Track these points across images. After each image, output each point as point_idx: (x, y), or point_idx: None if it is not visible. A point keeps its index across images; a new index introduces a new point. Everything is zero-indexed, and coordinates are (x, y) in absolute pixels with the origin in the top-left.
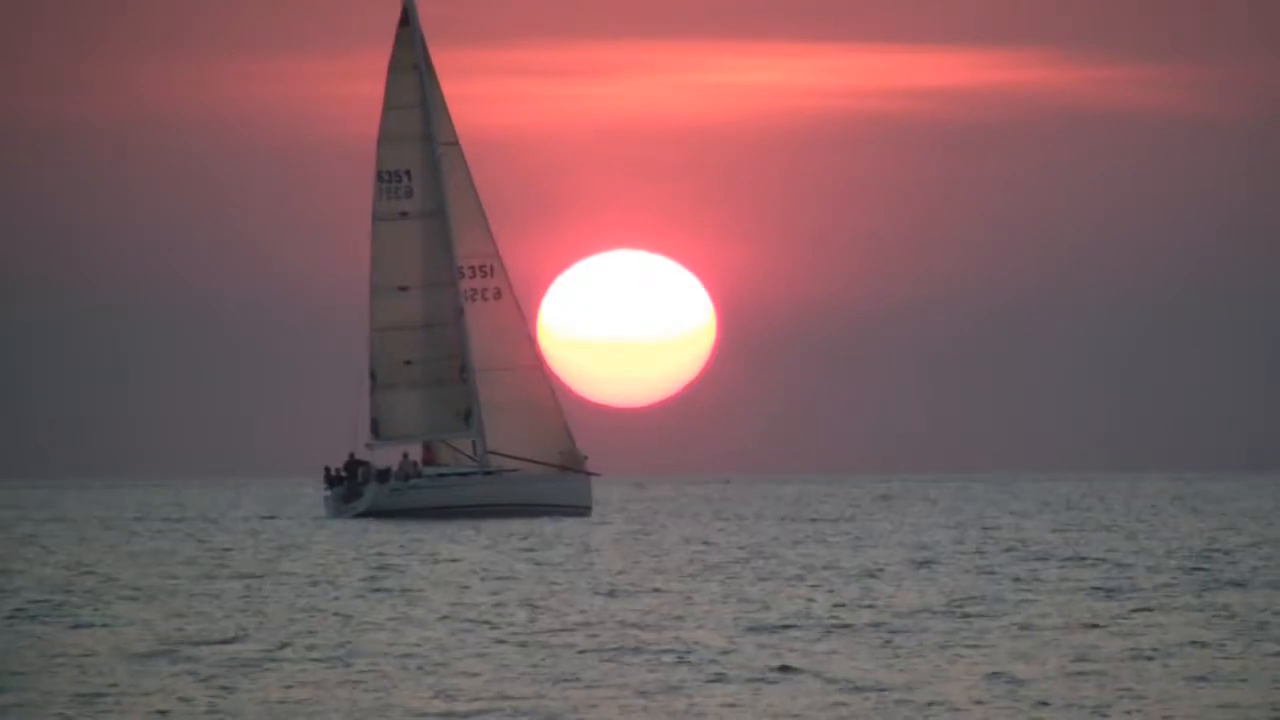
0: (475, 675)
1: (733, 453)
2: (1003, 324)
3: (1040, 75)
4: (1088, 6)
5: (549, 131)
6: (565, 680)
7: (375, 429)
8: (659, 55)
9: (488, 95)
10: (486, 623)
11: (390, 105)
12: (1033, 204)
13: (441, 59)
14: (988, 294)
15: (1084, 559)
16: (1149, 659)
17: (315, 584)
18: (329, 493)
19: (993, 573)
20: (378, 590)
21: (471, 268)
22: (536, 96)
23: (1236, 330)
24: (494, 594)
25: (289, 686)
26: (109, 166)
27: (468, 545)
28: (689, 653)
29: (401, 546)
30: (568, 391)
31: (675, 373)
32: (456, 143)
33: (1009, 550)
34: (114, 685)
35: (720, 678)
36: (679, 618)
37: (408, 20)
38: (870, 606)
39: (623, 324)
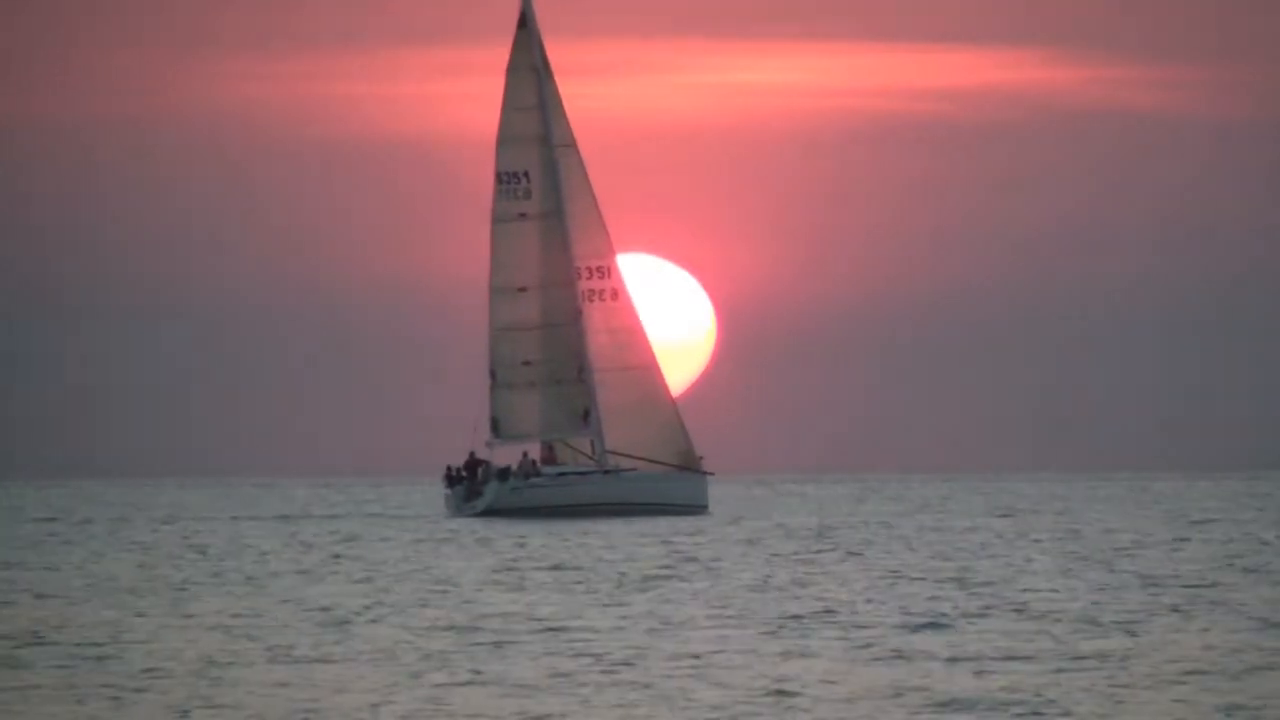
0: None
1: (734, 452)
2: (1003, 324)
3: (1040, 75)
4: (1088, 6)
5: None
6: None
7: (495, 428)
8: (658, 55)
9: (487, 95)
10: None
11: (509, 107)
12: (1033, 204)
13: (442, 58)
14: (988, 294)
15: None
16: None
17: None
18: (449, 492)
19: None
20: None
21: (589, 268)
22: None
23: (1237, 330)
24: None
25: None
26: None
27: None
28: None
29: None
30: None
31: (676, 375)
32: (574, 144)
33: None
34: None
35: None
36: None
37: (525, 22)
38: None
39: None
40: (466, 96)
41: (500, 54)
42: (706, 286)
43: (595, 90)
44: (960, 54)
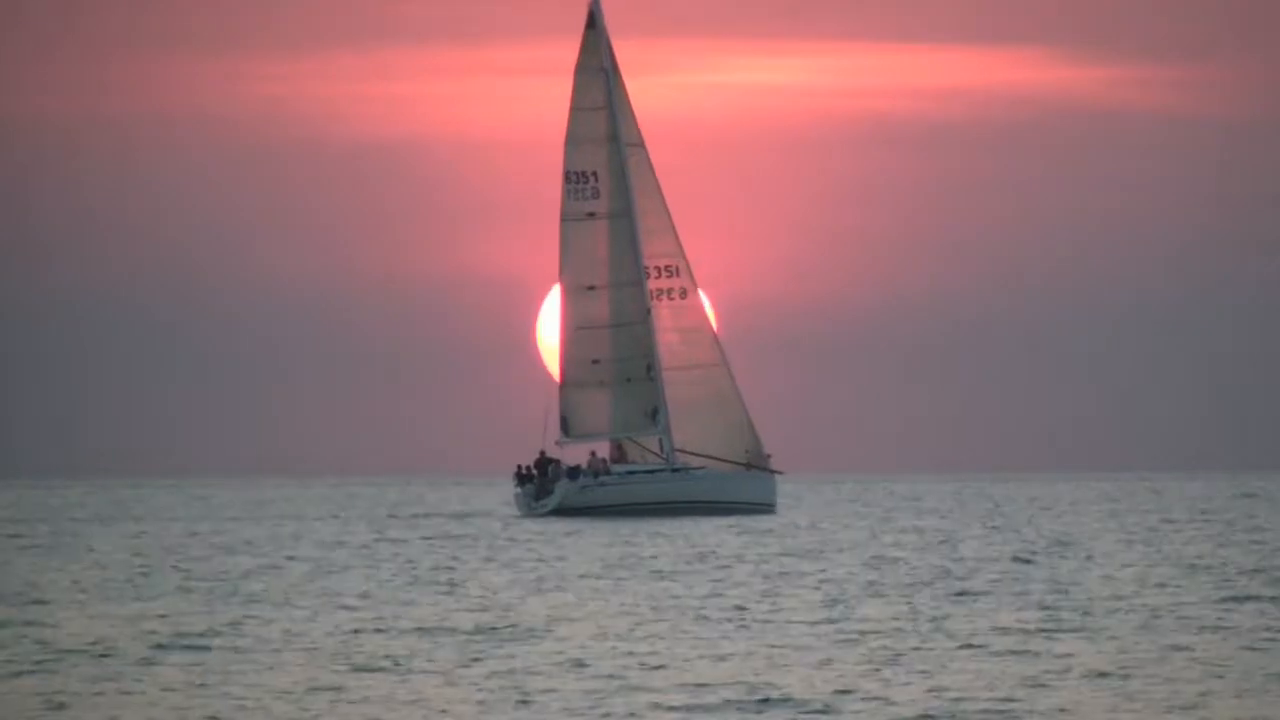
0: None
1: None
2: (1003, 323)
3: (1040, 75)
4: (1088, 6)
5: (547, 132)
6: None
7: (564, 427)
8: (657, 55)
9: (487, 95)
10: None
11: (577, 107)
12: (1033, 204)
13: (438, 58)
14: (988, 294)
15: None
16: None
17: None
18: (519, 490)
19: None
20: None
21: (657, 268)
22: (535, 96)
23: (1237, 330)
24: None
25: None
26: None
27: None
28: None
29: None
30: None
31: None
32: (642, 144)
33: None
34: None
35: None
36: None
37: (594, 22)
38: None
39: None
40: (486, 96)
41: (507, 54)
42: (704, 286)
43: None
44: (960, 54)
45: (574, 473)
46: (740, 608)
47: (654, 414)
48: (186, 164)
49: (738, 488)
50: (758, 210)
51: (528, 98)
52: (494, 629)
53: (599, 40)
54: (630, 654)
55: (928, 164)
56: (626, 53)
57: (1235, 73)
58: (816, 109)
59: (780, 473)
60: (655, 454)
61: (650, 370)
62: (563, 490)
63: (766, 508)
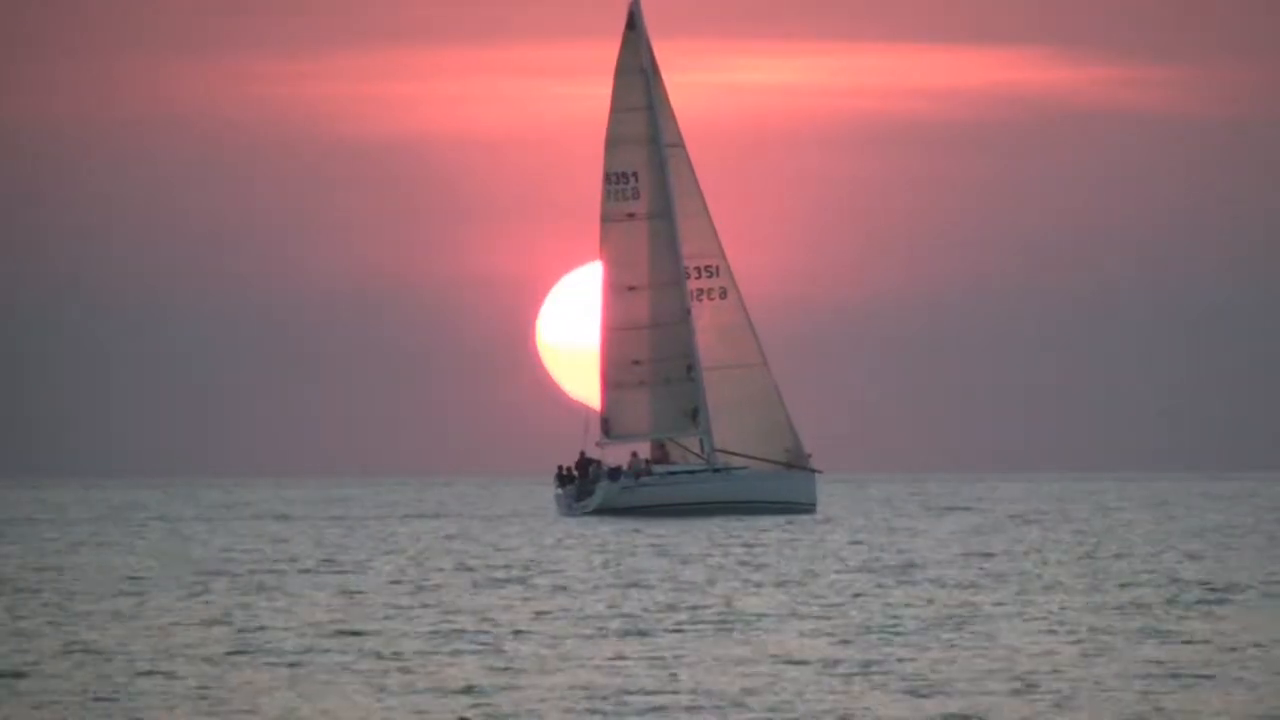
0: None
1: None
2: (1002, 323)
3: (1040, 75)
4: (1088, 6)
5: (546, 133)
6: None
7: (605, 427)
8: (658, 55)
9: (484, 95)
10: None
11: (618, 108)
12: (1032, 204)
13: (438, 58)
14: (987, 294)
15: None
16: None
17: None
18: (560, 491)
19: None
20: None
21: (698, 268)
22: (534, 97)
23: (1237, 330)
24: None
25: None
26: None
27: None
28: None
29: None
30: (566, 400)
31: None
32: (682, 144)
33: None
34: None
35: None
36: None
37: (634, 24)
38: None
39: None
40: (503, 96)
41: (504, 54)
42: None
43: (592, 90)
44: (960, 54)
45: (615, 474)
46: None
47: (694, 414)
48: (189, 164)
49: (778, 487)
50: (757, 210)
51: (537, 97)
52: None
53: (639, 41)
54: None
55: (928, 164)
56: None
57: (1234, 73)
58: (817, 109)
59: (820, 471)
60: (697, 455)
61: (690, 370)
62: (604, 491)
63: (807, 507)
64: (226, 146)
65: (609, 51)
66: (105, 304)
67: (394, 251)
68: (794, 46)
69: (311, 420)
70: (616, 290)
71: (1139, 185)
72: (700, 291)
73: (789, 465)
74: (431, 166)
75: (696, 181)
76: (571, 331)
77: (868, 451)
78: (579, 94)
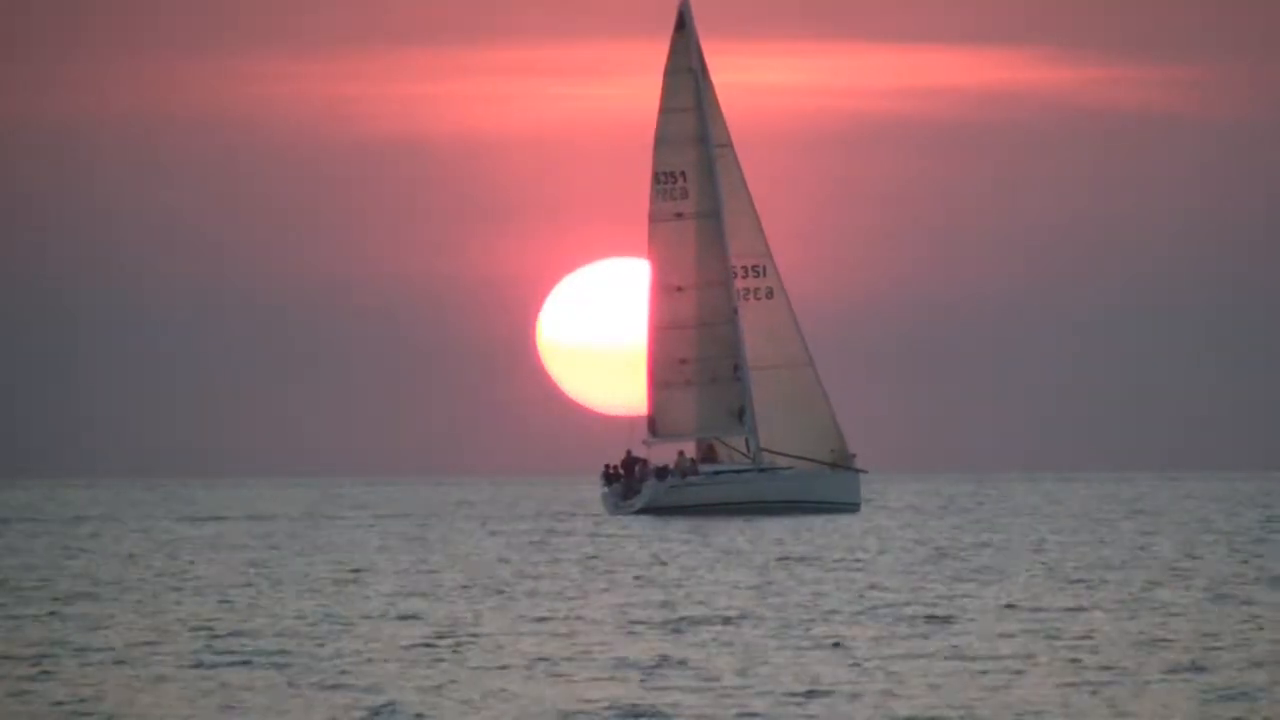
0: None
1: None
2: (1002, 323)
3: (1040, 75)
4: (1088, 6)
5: (547, 133)
6: None
7: (652, 427)
8: (657, 54)
9: (486, 95)
10: None
11: (667, 108)
12: (1032, 204)
13: (439, 58)
14: (987, 294)
15: None
16: None
17: None
18: (606, 490)
19: None
20: None
21: (745, 268)
22: (533, 96)
23: (1237, 330)
24: None
25: None
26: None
27: None
28: None
29: None
30: (567, 400)
31: None
32: (730, 145)
33: None
34: None
35: None
36: None
37: (683, 24)
38: None
39: (623, 331)
40: (504, 96)
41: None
42: None
43: (591, 90)
44: (960, 54)
45: (662, 473)
46: None
47: (740, 413)
48: (189, 164)
49: (824, 487)
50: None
51: (537, 97)
52: None
53: (688, 42)
54: None
55: (927, 164)
56: (626, 53)
57: (1233, 73)
58: (816, 109)
59: (865, 471)
60: (744, 454)
61: (737, 370)
62: (650, 490)
63: (852, 507)
64: (227, 146)
65: (611, 52)
66: (106, 304)
67: (395, 251)
68: (794, 46)
69: (312, 420)
70: (664, 290)
71: (1139, 185)
72: (747, 291)
73: (834, 465)
74: (432, 166)
75: (744, 181)
76: (572, 331)
77: (864, 453)
78: (579, 94)
